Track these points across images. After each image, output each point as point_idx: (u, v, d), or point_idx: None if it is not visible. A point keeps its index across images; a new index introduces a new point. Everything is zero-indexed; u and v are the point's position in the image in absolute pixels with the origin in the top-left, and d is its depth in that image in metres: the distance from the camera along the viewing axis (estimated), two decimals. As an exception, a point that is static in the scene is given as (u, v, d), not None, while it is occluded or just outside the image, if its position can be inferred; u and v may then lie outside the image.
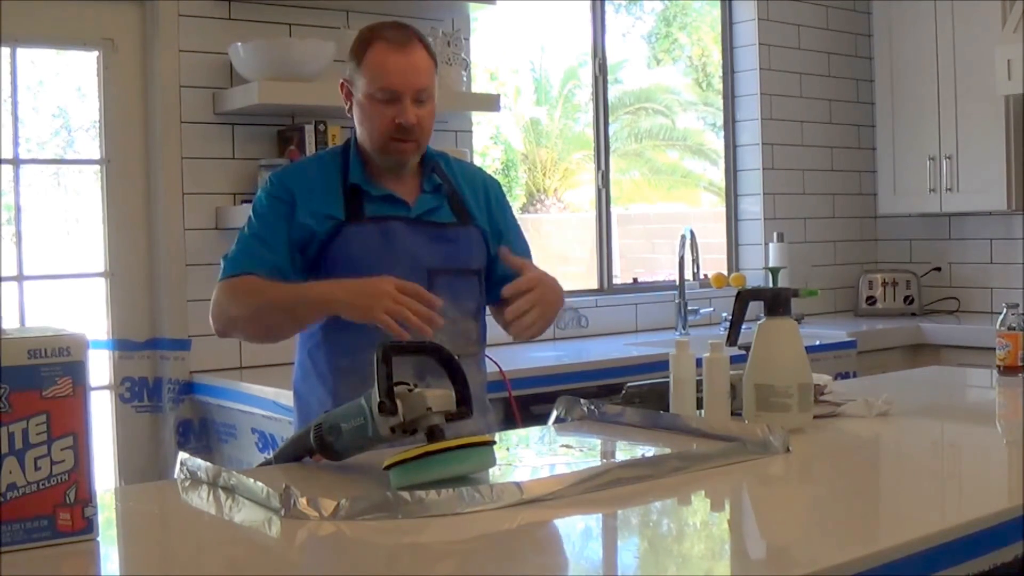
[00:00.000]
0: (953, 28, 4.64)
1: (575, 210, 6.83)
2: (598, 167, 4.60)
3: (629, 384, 2.43)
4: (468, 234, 2.31)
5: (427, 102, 2.23)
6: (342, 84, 2.30)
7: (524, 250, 2.44)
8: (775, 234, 4.67)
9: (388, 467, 1.69)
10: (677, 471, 1.79)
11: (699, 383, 2.23)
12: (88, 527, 1.44)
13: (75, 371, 1.42)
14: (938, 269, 5.05)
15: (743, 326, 2.27)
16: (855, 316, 5.00)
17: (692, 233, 4.36)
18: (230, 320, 2.22)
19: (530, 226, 6.59)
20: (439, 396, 1.76)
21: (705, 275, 4.49)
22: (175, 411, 3.41)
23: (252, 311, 2.19)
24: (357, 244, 2.21)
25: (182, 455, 1.84)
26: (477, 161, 4.15)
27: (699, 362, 2.22)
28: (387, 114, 2.20)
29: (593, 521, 1.64)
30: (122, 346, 3.42)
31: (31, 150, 3.44)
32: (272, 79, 3.30)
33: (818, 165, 5.04)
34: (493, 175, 2.55)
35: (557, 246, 6.31)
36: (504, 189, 2.51)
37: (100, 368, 3.40)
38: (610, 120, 4.64)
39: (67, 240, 3.62)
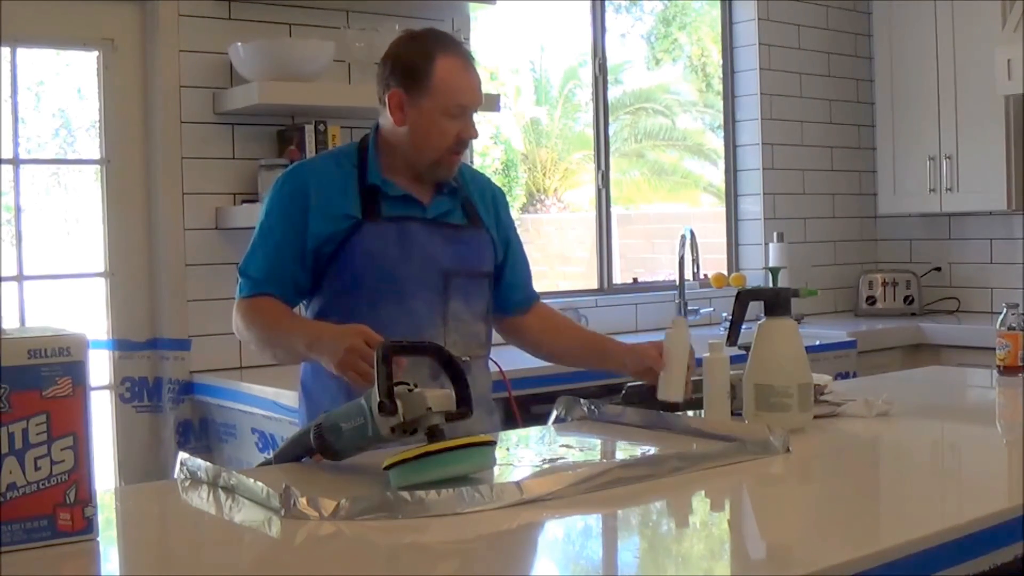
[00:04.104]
0: (953, 28, 4.64)
1: (575, 210, 6.82)
2: (598, 167, 4.60)
3: (629, 384, 2.44)
4: (480, 237, 2.34)
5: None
6: (393, 95, 2.23)
7: (527, 263, 2.50)
8: (775, 234, 4.67)
9: (388, 467, 1.69)
10: (677, 471, 1.79)
11: (699, 383, 2.24)
12: (88, 527, 1.44)
13: (75, 371, 1.42)
14: (938, 269, 5.05)
15: (743, 326, 2.27)
16: (855, 316, 5.00)
17: (692, 233, 4.36)
18: (247, 342, 2.32)
19: (530, 226, 6.58)
20: (439, 396, 1.76)
21: (705, 275, 4.49)
22: (175, 411, 3.41)
23: (261, 342, 2.27)
24: (375, 243, 2.22)
25: (182, 455, 1.84)
26: (477, 161, 4.16)
27: (699, 363, 2.22)
28: (452, 129, 2.22)
29: (593, 521, 1.64)
30: (122, 346, 3.42)
31: (31, 150, 3.44)
32: (272, 79, 3.30)
33: (818, 165, 5.04)
34: (490, 176, 2.59)
35: (557, 246, 6.31)
36: (505, 193, 2.55)
37: (100, 368, 3.40)
38: (610, 120, 4.64)
39: (67, 240, 3.62)
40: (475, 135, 2.27)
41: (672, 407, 2.22)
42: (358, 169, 2.27)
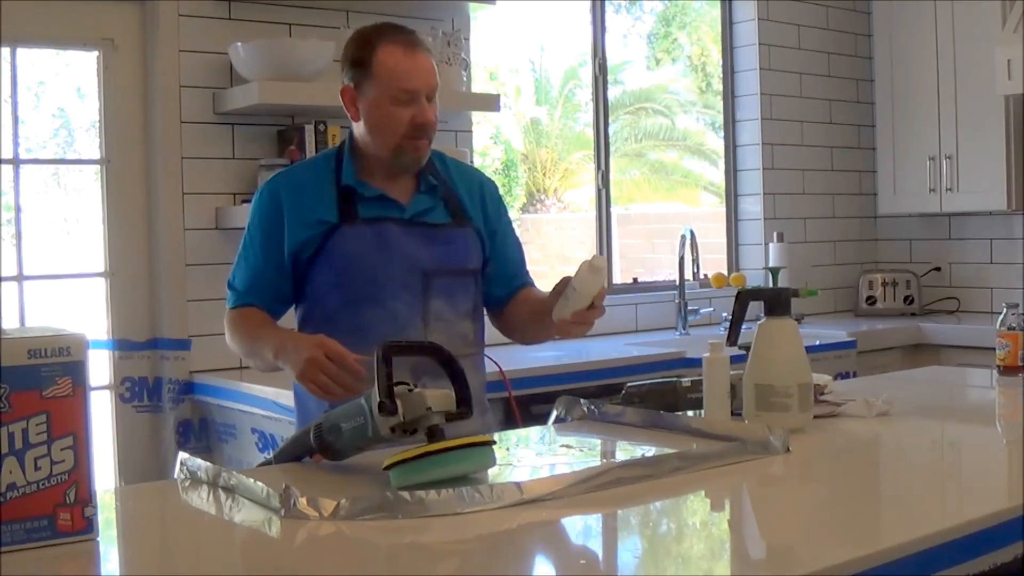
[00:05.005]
0: (953, 28, 4.64)
1: (575, 210, 6.83)
2: (598, 167, 4.60)
3: (629, 384, 2.43)
4: (463, 234, 2.32)
5: (434, 100, 2.25)
6: (344, 90, 2.27)
7: (518, 253, 2.46)
8: (775, 234, 4.67)
9: (388, 467, 1.69)
10: (677, 471, 1.79)
11: (699, 383, 2.24)
12: (88, 527, 1.44)
13: (75, 371, 1.42)
14: (938, 269, 5.05)
15: (743, 326, 2.27)
16: (855, 316, 4.99)
17: (692, 233, 4.36)
18: (235, 352, 2.36)
19: (530, 226, 6.59)
20: (439, 396, 1.76)
21: (705, 275, 4.49)
22: (175, 411, 3.41)
23: (243, 352, 2.31)
24: (351, 246, 2.22)
25: (182, 455, 1.84)
26: (477, 161, 4.15)
27: (698, 363, 2.22)
28: (404, 115, 2.21)
29: (593, 521, 1.64)
30: (122, 346, 3.42)
31: (31, 150, 3.44)
32: (272, 79, 3.30)
33: (818, 165, 5.04)
34: (490, 175, 2.56)
35: (557, 246, 6.32)
36: (502, 189, 2.52)
37: (100, 368, 3.40)
38: (610, 120, 4.64)
39: (67, 240, 3.62)
40: (430, 119, 2.22)
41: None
42: (335, 172, 2.28)
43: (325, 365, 2.00)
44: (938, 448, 2.27)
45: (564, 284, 2.14)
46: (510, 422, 2.65)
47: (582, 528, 1.63)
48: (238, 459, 3.24)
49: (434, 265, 2.26)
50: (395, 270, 2.22)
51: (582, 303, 2.10)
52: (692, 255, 4.36)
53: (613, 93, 4.98)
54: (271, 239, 2.26)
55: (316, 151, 3.36)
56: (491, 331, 2.43)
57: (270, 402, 3.04)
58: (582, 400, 2.31)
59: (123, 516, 1.67)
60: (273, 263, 2.26)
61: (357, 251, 2.22)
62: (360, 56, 2.23)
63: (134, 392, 3.44)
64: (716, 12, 4.98)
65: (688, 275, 4.39)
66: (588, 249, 4.73)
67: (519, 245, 2.48)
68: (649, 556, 1.48)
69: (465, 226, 2.32)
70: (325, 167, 2.30)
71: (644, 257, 6.02)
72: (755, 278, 4.74)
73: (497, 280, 2.41)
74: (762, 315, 2.19)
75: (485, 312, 2.44)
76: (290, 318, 2.36)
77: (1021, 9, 4.22)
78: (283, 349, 2.12)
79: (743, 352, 2.20)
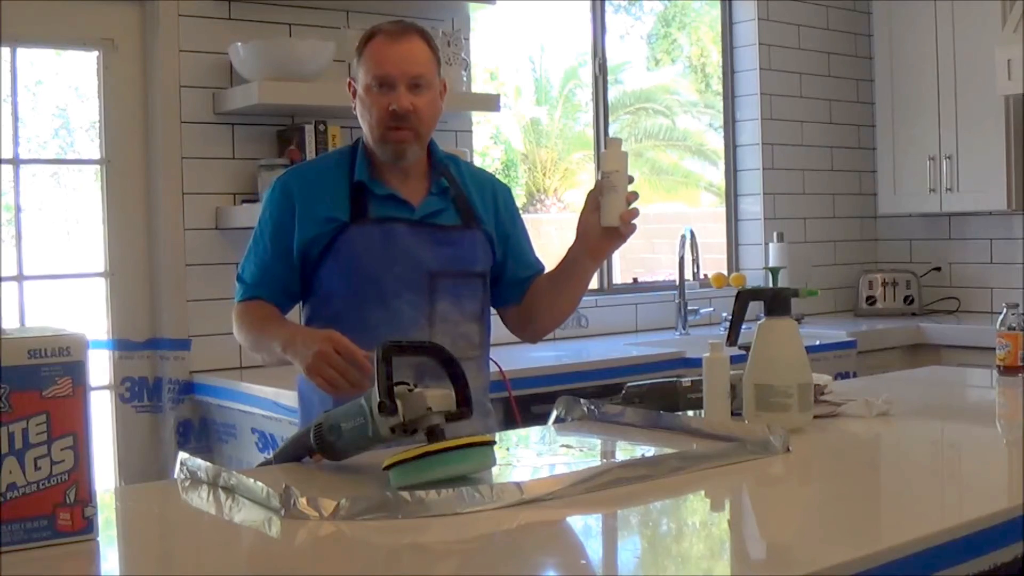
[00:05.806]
0: (953, 28, 4.64)
1: (575, 210, 6.82)
2: (598, 167, 4.60)
3: (629, 384, 2.43)
4: (472, 237, 2.32)
5: (424, 90, 2.23)
6: (349, 83, 2.31)
7: (533, 257, 2.46)
8: (775, 234, 4.67)
9: (388, 467, 1.69)
10: (677, 471, 1.79)
11: (699, 383, 2.23)
12: (88, 527, 1.44)
13: (75, 371, 1.42)
14: (938, 269, 5.05)
15: (743, 326, 2.27)
16: (855, 316, 5.00)
17: (692, 233, 4.37)
18: (242, 345, 2.36)
19: (530, 226, 6.58)
20: (439, 396, 1.76)
21: (705, 275, 4.49)
22: (175, 411, 3.41)
23: (249, 345, 2.31)
24: (359, 245, 2.22)
25: (182, 455, 1.84)
26: (477, 161, 4.15)
27: (698, 363, 2.22)
28: (382, 102, 2.21)
29: (593, 521, 1.64)
30: (122, 346, 3.42)
31: (31, 150, 3.44)
32: (272, 79, 3.30)
33: (818, 165, 5.04)
34: (502, 180, 2.56)
35: (557, 246, 6.30)
36: (510, 189, 2.52)
37: (100, 368, 3.40)
38: (610, 120, 4.64)
39: (67, 240, 3.62)
40: (405, 105, 2.19)
41: (613, 232, 2.21)
42: (348, 169, 2.28)
43: (334, 359, 2.00)
44: (938, 448, 2.27)
45: (597, 191, 2.19)
46: (510, 422, 2.65)
47: (582, 528, 1.63)
48: (238, 459, 3.24)
49: (440, 267, 2.26)
50: (400, 270, 2.22)
51: (617, 191, 2.16)
52: (692, 255, 4.36)
53: (613, 93, 4.98)
54: (281, 234, 2.26)
55: (316, 151, 3.36)
56: (494, 332, 2.43)
57: (270, 402, 3.04)
58: (582, 400, 2.31)
59: (123, 516, 1.67)
60: (282, 258, 2.26)
61: (363, 250, 2.22)
62: (358, 48, 2.27)
63: (134, 392, 3.44)
64: (716, 12, 4.98)
65: (688, 275, 4.39)
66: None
67: (533, 252, 2.49)
68: (649, 556, 1.48)
69: (474, 229, 2.32)
70: (338, 165, 2.30)
71: (644, 257, 6.02)
72: (755, 278, 4.74)
73: (514, 283, 2.41)
74: (762, 315, 2.19)
75: (501, 316, 2.44)
76: (294, 316, 2.36)
77: (1021, 9, 4.22)
78: (292, 343, 2.12)
79: (743, 352, 2.20)
